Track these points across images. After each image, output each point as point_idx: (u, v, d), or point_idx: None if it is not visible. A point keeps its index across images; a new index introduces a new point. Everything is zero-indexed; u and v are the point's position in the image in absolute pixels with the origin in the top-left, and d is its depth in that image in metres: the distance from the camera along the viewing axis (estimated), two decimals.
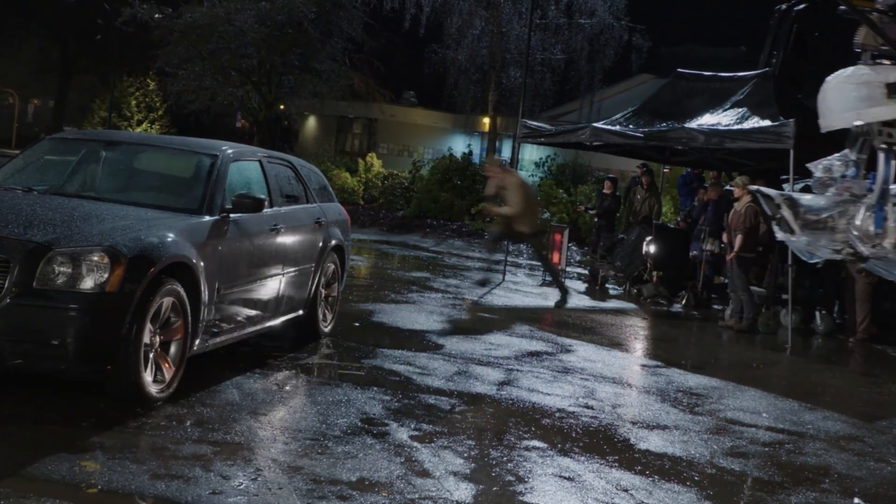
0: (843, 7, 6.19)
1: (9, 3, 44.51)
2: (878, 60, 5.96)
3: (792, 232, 6.12)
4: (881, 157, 5.90)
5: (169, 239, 7.22)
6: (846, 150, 6.16)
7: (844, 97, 5.92)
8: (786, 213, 6.14)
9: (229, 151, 8.86)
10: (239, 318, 8.37)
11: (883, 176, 5.89)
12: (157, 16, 32.47)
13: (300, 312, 9.72)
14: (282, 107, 35.30)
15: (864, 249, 5.95)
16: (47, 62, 49.06)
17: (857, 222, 5.94)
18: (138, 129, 37.04)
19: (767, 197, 6.37)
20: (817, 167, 6.22)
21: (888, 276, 6.53)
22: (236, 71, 32.15)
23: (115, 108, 38.65)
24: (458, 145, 38.98)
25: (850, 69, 6.02)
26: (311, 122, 47.37)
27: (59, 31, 47.68)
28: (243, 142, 10.63)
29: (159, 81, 36.87)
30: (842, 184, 6.08)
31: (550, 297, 15.96)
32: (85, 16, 43.89)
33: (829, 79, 6.08)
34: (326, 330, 10.33)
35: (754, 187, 14.44)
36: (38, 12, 45.36)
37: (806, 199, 6.15)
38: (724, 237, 15.17)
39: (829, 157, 6.18)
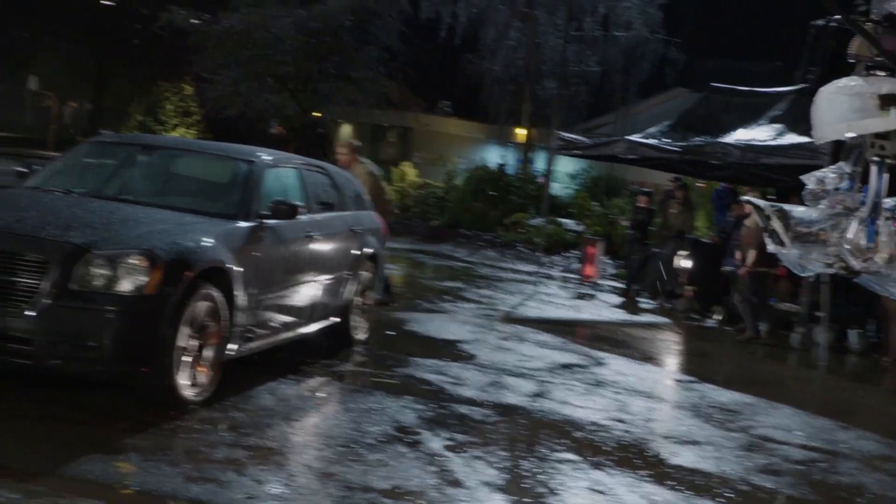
0: (837, 17, 6.13)
1: (46, 7, 44.84)
2: (872, 72, 5.89)
3: (783, 244, 6.05)
4: (873, 169, 5.81)
5: (206, 244, 7.26)
6: (840, 163, 6.09)
7: (837, 108, 5.85)
8: (776, 224, 6.08)
9: (266, 158, 8.90)
10: (274, 324, 8.39)
11: (875, 189, 5.81)
12: (194, 21, 32.60)
13: (334, 320, 9.74)
14: (317, 114, 35.38)
15: (856, 264, 5.88)
16: (84, 66, 49.34)
17: (849, 236, 5.86)
18: (174, 134, 37.16)
19: (759, 208, 6.31)
20: (810, 179, 6.14)
21: (882, 292, 6.45)
22: (272, 77, 32.24)
23: (150, 112, 38.83)
24: (492, 156, 38.97)
25: (842, 80, 5.95)
26: (346, 130, 47.47)
27: (96, 34, 47.99)
28: (278, 148, 10.66)
29: (196, 87, 37.02)
30: (834, 196, 6.00)
31: (584, 309, 15.96)
32: (122, 20, 44.16)
33: (821, 89, 6.02)
34: (360, 338, 10.32)
35: (745, 198, 14.38)
36: (76, 16, 45.63)
37: (798, 211, 6.08)
38: (738, 254, 15.09)
39: (823, 169, 6.11)
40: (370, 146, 47.34)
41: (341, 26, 31.40)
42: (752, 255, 14.23)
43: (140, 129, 37.36)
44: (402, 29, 34.63)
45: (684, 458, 7.74)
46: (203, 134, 36.36)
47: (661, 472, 7.27)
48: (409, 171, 34.74)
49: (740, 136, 15.58)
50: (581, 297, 17.40)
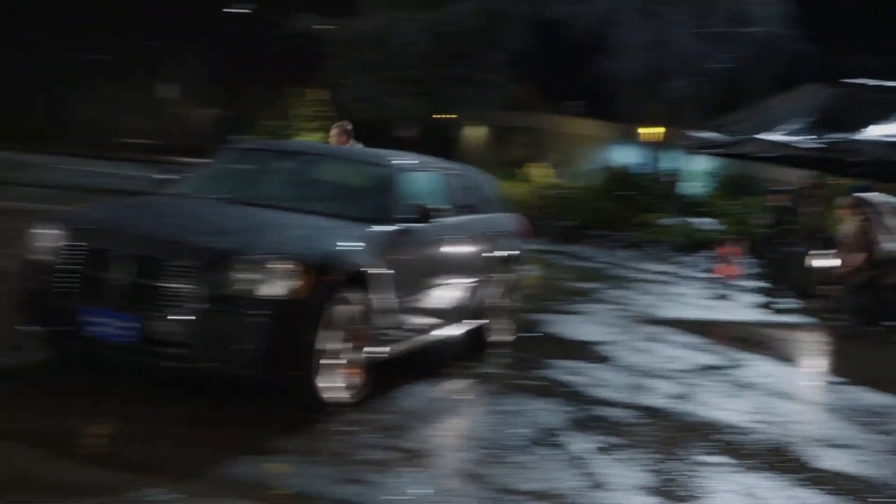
0: None
1: (179, 16, 45.95)
2: None
3: None
4: None
5: (348, 248, 7.35)
6: None
7: None
8: (890, 221, 5.90)
9: (404, 161, 8.98)
10: (415, 327, 8.44)
11: None
12: (323, 27, 33.03)
13: (475, 322, 9.76)
14: (446, 117, 35.57)
15: None
16: (216, 73, 50.38)
17: None
18: (306, 139, 37.66)
19: (869, 203, 6.12)
20: None
21: None
22: (402, 81, 32.50)
23: (282, 117, 39.45)
24: (620, 156, 38.64)
25: None
26: (474, 132, 47.57)
27: (228, 42, 48.93)
28: (409, 151, 10.69)
29: (330, 92, 37.49)
30: None
31: (721, 309, 15.72)
32: (254, 28, 45.00)
33: None
34: (499, 340, 10.32)
35: (858, 194, 13.94)
36: (208, 24, 46.67)
37: None
38: (840, 256, 14.73)
39: None
40: (497, 148, 47.42)
41: (470, 29, 31.50)
42: (856, 257, 13.92)
43: (271, 135, 37.98)
44: (529, 30, 34.58)
45: (834, 461, 7.56)
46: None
47: (810, 475, 7.11)
48: (538, 172, 34.63)
49: (877, 132, 15.19)
50: (718, 296, 17.13)
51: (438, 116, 34.87)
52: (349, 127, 11.94)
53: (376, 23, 31.53)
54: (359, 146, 11.64)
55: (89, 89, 51.32)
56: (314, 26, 32.75)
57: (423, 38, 30.91)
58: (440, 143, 36.61)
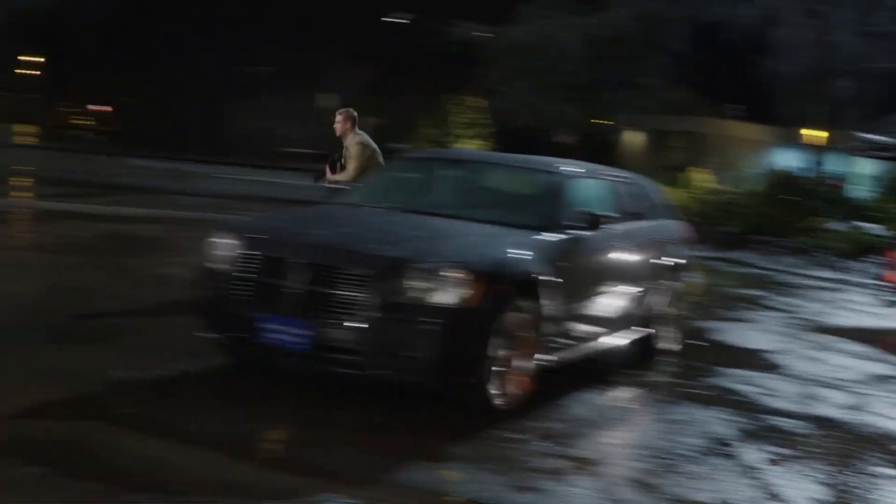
0: None
1: (337, 26, 46.77)
2: None
3: None
4: None
5: (518, 255, 7.38)
6: None
7: None
8: None
9: (570, 168, 8.98)
10: (583, 335, 8.42)
11: None
12: (481, 35, 33.22)
13: (642, 330, 9.70)
14: (604, 122, 35.41)
15: None
16: (373, 81, 51.11)
17: None
18: (465, 146, 37.92)
19: None
20: None
21: None
22: (560, 87, 32.47)
23: (441, 125, 39.83)
24: (784, 159, 37.88)
25: None
26: (632, 137, 47.24)
27: (386, 51, 49.58)
28: (567, 157, 10.66)
29: (488, 100, 37.68)
30: None
31: (893, 318, 15.29)
32: (412, 36, 45.52)
33: None
34: (667, 348, 10.23)
35: None
36: (367, 33, 47.38)
37: None
38: None
39: None
40: (656, 152, 46.98)
41: (628, 33, 31.31)
42: None
43: (430, 143, 38.33)
44: (688, 33, 34.19)
45: None
46: (495, 146, 36.94)
47: None
48: (699, 177, 34.17)
49: None
50: (888, 304, 16.67)
51: (596, 122, 34.70)
52: (354, 114, 11.93)
53: (534, 29, 31.55)
54: (363, 135, 11.65)
55: (249, 99, 52.64)
56: (473, 34, 32.98)
57: (582, 44, 30.80)
58: (598, 149, 36.48)
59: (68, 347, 8.08)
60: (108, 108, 65.89)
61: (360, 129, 11.48)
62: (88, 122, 67.86)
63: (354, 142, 11.62)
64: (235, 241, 7.37)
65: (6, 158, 29.75)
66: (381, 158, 11.61)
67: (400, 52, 48.51)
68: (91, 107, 68.62)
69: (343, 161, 11.64)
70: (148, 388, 7.27)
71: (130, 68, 51.76)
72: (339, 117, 11.98)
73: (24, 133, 48.34)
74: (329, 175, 11.80)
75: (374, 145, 11.64)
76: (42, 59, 62.27)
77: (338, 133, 11.86)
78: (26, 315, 9.13)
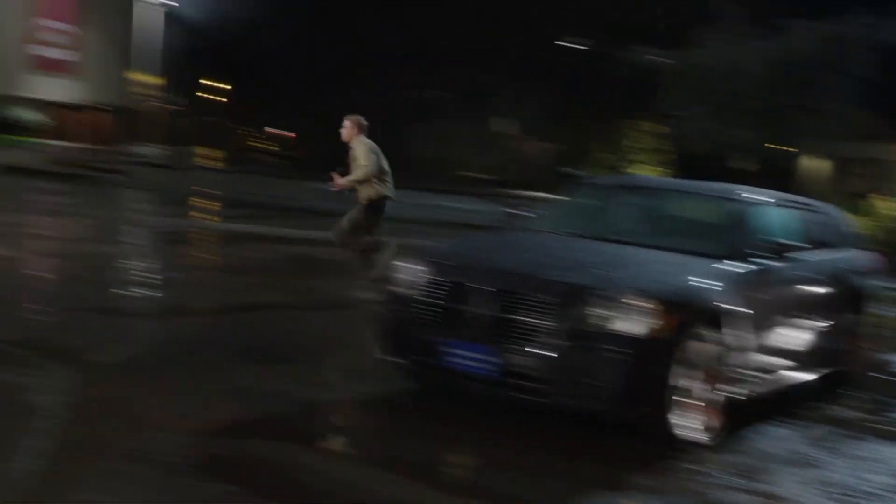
0: None
1: (515, 49, 47.02)
2: None
3: None
4: None
5: (703, 285, 7.30)
6: None
7: None
8: None
9: (754, 196, 8.83)
10: (771, 368, 8.25)
11: None
12: (658, 59, 32.96)
13: (833, 366, 9.45)
14: (783, 148, 34.70)
15: None
16: (552, 106, 51.20)
17: None
18: (642, 172, 37.64)
19: None
20: None
21: None
22: (739, 111, 31.95)
23: (617, 151, 39.65)
24: None
25: None
26: (812, 163, 46.12)
27: (563, 75, 49.64)
28: (745, 184, 10.49)
29: (668, 126, 37.34)
30: None
31: None
32: (588, 60, 45.46)
33: None
34: (854, 381, 9.93)
35: None
36: (543, 58, 47.51)
37: None
38: None
39: None
40: (837, 179, 45.75)
41: (812, 56, 30.64)
42: None
43: (607, 169, 38.18)
44: (874, 56, 33.27)
45: None
46: (674, 172, 36.56)
47: None
48: (884, 205, 33.12)
49: None
50: None
51: (775, 147, 34.01)
52: (363, 122, 12.07)
53: (713, 52, 31.14)
54: (368, 143, 11.73)
55: (427, 125, 53.32)
56: (650, 57, 32.75)
57: (763, 67, 30.26)
58: (777, 175, 35.76)
59: (255, 368, 8.31)
60: (292, 135, 67.56)
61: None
62: (270, 147, 69.77)
63: (360, 143, 12.33)
64: (422, 267, 7.48)
65: (188, 180, 30.70)
66: (385, 164, 12.07)
67: (576, 77, 48.49)
68: (269, 129, 70.55)
69: (350, 162, 12.35)
70: (335, 410, 7.42)
71: (312, 95, 53.05)
72: (347, 123, 12.54)
73: (206, 156, 49.97)
74: (337, 180, 12.44)
75: (378, 150, 12.30)
76: (228, 87, 64.37)
77: (344, 138, 12.42)
78: (211, 334, 9.43)
